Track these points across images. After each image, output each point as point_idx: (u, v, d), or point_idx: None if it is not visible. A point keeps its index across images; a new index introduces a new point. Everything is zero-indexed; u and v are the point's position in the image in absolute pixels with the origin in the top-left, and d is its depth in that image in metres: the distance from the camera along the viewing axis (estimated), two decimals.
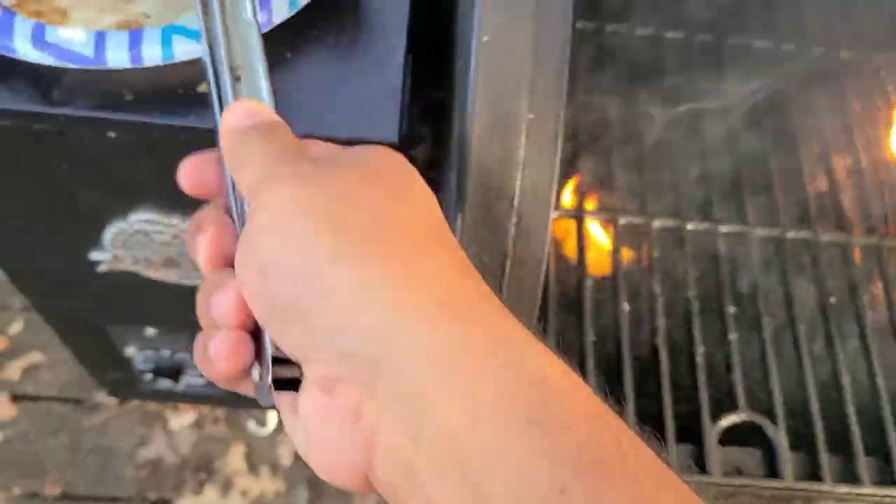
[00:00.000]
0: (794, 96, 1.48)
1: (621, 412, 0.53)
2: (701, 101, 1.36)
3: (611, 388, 1.29)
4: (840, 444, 1.21)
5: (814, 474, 1.18)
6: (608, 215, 1.36)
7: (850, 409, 1.23)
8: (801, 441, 1.22)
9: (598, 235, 1.38)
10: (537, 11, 0.80)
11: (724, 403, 1.23)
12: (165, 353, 1.81)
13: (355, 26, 1.04)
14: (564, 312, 1.31)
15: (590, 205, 1.39)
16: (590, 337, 1.24)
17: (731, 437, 1.24)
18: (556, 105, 0.82)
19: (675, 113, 1.37)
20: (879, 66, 1.54)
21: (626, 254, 1.47)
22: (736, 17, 1.51)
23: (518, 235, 0.85)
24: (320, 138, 0.70)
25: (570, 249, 1.38)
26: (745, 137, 1.43)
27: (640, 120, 1.43)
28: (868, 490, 1.16)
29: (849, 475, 1.18)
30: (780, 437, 1.20)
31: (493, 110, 0.81)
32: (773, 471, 1.18)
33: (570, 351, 1.27)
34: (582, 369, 1.22)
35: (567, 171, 1.39)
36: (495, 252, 0.84)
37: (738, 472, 1.19)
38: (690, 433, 1.21)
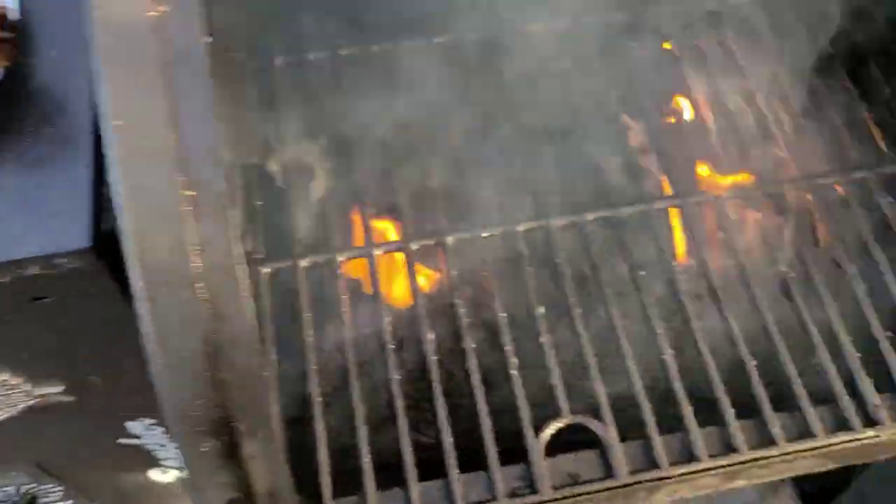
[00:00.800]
0: None
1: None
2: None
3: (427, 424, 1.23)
4: (673, 423, 1.17)
5: (652, 462, 1.13)
6: (400, 244, 1.29)
7: (678, 386, 1.19)
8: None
9: (394, 267, 1.31)
10: (167, 84, 0.73)
11: (549, 412, 1.18)
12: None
13: (34, 134, 0.95)
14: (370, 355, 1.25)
15: (387, 235, 1.33)
16: (394, 375, 1.17)
17: (570, 441, 1.19)
18: (215, 173, 0.74)
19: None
20: None
21: (430, 277, 1.41)
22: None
23: (216, 319, 0.77)
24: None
25: (369, 287, 1.31)
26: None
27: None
28: (704, 465, 1.13)
29: (686, 453, 1.14)
30: (609, 433, 1.15)
31: (143, 197, 0.73)
32: (611, 469, 1.13)
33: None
34: (391, 410, 1.15)
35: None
36: (194, 350, 0.76)
37: (574, 480, 1.13)
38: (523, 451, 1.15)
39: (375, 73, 1.47)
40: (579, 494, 1.11)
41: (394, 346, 1.21)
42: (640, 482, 1.11)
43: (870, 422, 1.16)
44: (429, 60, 1.46)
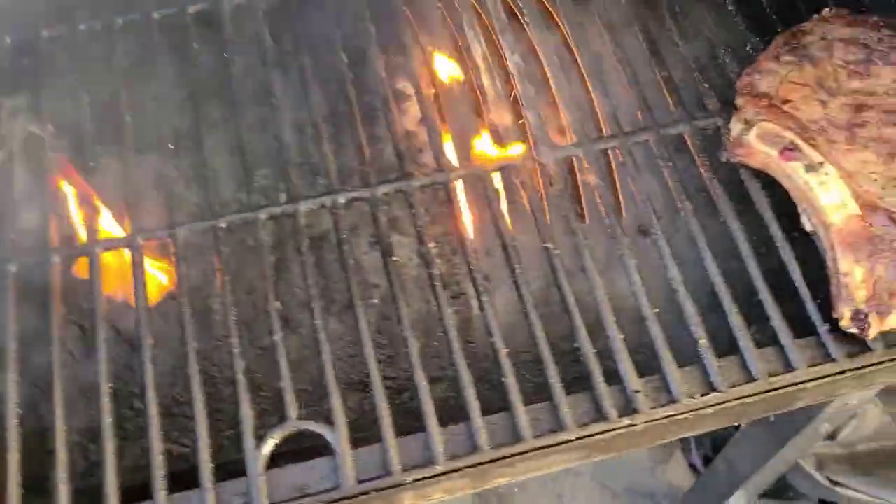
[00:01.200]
0: None
1: None
2: None
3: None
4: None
5: (385, 468, 1.03)
6: (127, 240, 1.16)
7: (423, 383, 1.08)
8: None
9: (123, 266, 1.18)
10: None
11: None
12: None
13: None
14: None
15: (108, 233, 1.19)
16: (105, 386, 1.04)
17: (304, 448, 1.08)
18: None
19: None
20: None
21: (169, 273, 1.28)
22: None
23: None
24: None
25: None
26: None
27: None
28: (443, 468, 1.02)
29: (426, 457, 1.04)
30: (339, 439, 1.03)
31: None
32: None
33: None
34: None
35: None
36: None
37: (301, 492, 1.02)
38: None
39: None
40: None
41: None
42: (367, 492, 1.01)
43: (628, 410, 1.06)
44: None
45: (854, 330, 1.09)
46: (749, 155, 1.20)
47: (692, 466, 2.44)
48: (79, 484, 1.04)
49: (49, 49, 1.32)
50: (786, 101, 1.20)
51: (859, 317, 1.07)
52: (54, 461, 1.02)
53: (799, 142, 1.15)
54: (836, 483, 2.13)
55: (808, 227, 1.16)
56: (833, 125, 1.17)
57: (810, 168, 1.14)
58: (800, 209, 1.17)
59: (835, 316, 1.10)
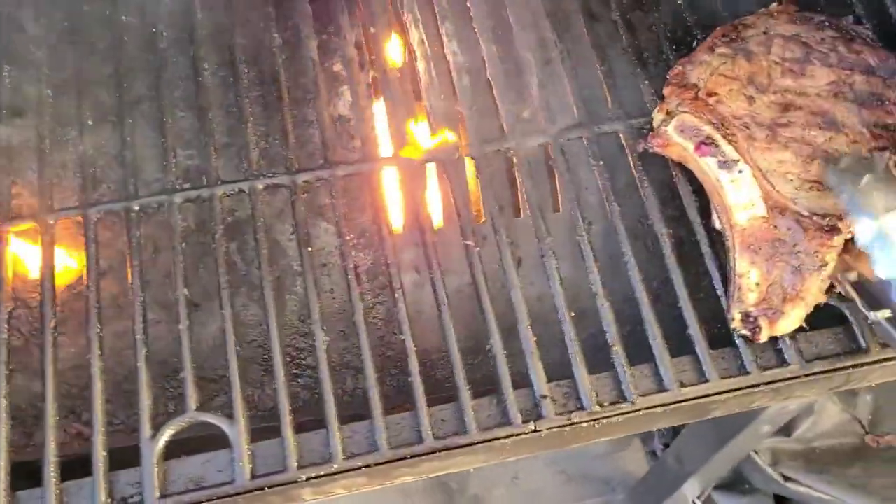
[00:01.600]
0: None
1: None
2: None
3: None
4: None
5: (282, 464, 1.01)
6: (34, 217, 1.13)
7: (327, 383, 1.06)
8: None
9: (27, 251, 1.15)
10: None
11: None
12: None
13: None
14: None
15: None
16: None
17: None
18: None
19: None
20: None
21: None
22: None
23: None
24: None
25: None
26: None
27: None
28: (339, 467, 1.01)
29: (324, 454, 1.02)
30: (237, 433, 1.02)
31: None
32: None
33: None
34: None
35: None
36: None
37: (196, 485, 1.01)
38: None
39: None
40: (199, 502, 0.99)
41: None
42: (261, 488, 0.99)
43: (533, 415, 1.05)
44: None
45: (746, 333, 1.07)
46: (666, 146, 1.17)
47: (653, 454, 2.45)
48: None
49: None
50: (712, 94, 1.17)
51: (749, 319, 1.06)
52: None
53: (717, 137, 1.13)
54: (788, 479, 2.13)
55: (717, 225, 1.14)
56: (756, 122, 1.15)
57: (724, 164, 1.11)
58: (712, 207, 1.14)
59: (728, 318, 1.08)
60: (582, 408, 1.05)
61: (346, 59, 1.29)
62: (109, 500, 0.98)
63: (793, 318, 1.06)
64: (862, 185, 0.94)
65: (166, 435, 1.01)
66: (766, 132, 1.14)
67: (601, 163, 1.20)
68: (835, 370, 1.09)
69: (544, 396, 1.05)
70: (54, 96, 1.22)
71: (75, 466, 1.02)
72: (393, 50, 1.29)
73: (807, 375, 1.08)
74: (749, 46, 1.21)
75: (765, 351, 1.09)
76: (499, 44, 1.30)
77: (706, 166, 1.13)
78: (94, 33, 1.28)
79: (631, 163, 1.21)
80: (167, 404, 1.20)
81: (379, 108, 1.29)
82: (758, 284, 1.07)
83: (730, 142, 1.12)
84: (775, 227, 1.08)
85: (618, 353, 1.08)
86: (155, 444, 1.01)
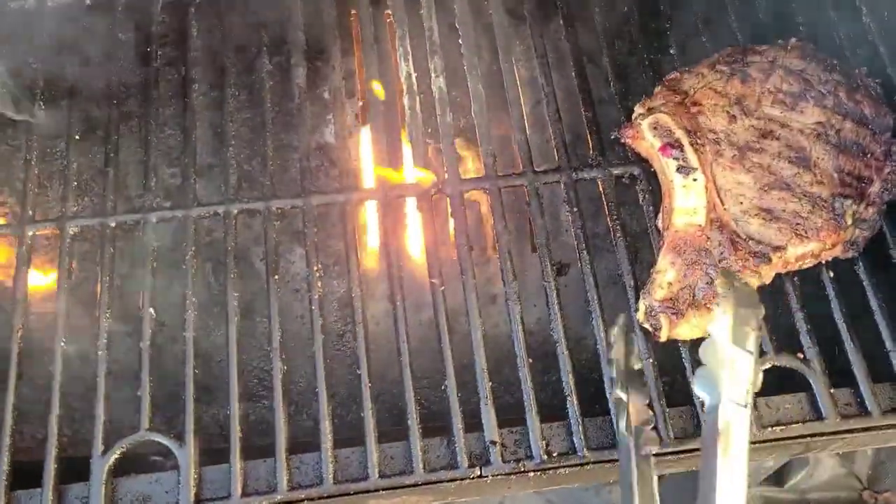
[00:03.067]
0: None
1: None
2: None
3: None
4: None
5: (226, 490, 1.02)
6: (12, 228, 1.16)
7: (279, 412, 1.07)
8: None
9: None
10: None
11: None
12: None
13: None
14: None
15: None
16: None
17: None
18: None
19: None
20: None
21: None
22: None
23: None
24: None
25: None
26: None
27: None
28: (282, 497, 1.02)
29: (270, 483, 1.03)
30: (186, 455, 1.03)
31: None
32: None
33: None
34: None
35: None
36: None
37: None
38: None
39: None
40: None
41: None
42: None
43: (481, 460, 1.05)
44: None
45: (647, 327, 1.10)
46: (636, 139, 1.21)
47: None
48: None
49: None
50: (696, 104, 1.20)
51: (652, 314, 1.09)
52: None
53: (685, 142, 1.15)
54: None
55: (659, 224, 1.17)
56: (729, 141, 1.17)
57: (682, 169, 1.14)
58: (662, 208, 1.17)
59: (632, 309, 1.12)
60: (531, 457, 1.05)
61: (334, 87, 1.30)
62: None
63: (693, 325, 1.08)
64: (738, 310, 0.96)
65: (117, 452, 1.03)
66: (734, 152, 1.16)
67: (576, 209, 1.20)
68: (793, 438, 1.08)
69: (494, 442, 1.05)
70: (46, 108, 1.25)
71: (35, 474, 1.05)
72: (380, 82, 1.30)
73: (763, 442, 1.07)
74: (749, 70, 1.23)
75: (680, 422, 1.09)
76: (486, 82, 1.30)
77: (666, 167, 1.16)
78: (91, 48, 1.31)
79: (607, 211, 1.21)
80: (131, 419, 1.22)
81: (362, 138, 1.30)
82: (670, 284, 1.09)
83: (696, 150, 1.15)
84: (708, 238, 1.10)
85: (572, 403, 1.08)
86: (105, 462, 1.02)
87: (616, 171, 1.24)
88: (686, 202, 1.12)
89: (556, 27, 1.36)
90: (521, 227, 1.33)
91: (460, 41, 1.34)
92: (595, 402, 1.10)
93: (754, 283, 1.08)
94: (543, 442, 1.05)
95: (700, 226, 1.10)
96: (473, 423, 1.08)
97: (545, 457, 1.05)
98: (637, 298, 1.13)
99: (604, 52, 1.34)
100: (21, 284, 1.12)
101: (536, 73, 1.33)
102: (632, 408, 1.00)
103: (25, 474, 1.04)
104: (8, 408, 1.05)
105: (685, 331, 1.08)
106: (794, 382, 1.12)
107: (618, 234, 1.19)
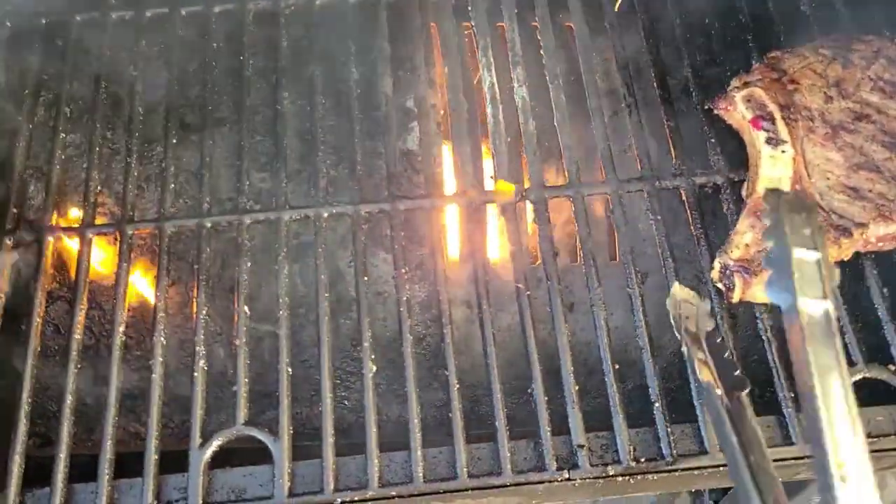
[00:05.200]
0: None
1: None
2: None
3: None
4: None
5: (320, 485, 1.05)
6: (113, 226, 1.20)
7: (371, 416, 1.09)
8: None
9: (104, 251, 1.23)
10: None
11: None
12: None
13: None
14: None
15: (100, 219, 1.23)
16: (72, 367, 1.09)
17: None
18: None
19: None
20: None
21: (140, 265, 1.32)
22: None
23: None
24: None
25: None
26: None
27: None
28: (372, 493, 1.04)
29: (362, 479, 1.05)
30: (280, 450, 1.06)
31: None
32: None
33: None
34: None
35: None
36: None
37: (237, 496, 1.05)
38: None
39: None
40: None
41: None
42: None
43: (568, 463, 1.06)
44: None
45: (720, 286, 1.12)
46: (728, 111, 1.23)
47: None
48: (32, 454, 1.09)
49: (79, 33, 1.38)
50: (793, 82, 1.23)
51: (726, 273, 1.10)
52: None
53: (777, 116, 1.18)
54: None
55: (744, 193, 1.19)
56: (823, 119, 1.19)
57: (771, 140, 1.16)
58: (748, 177, 1.19)
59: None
60: (618, 461, 1.06)
61: (419, 96, 1.33)
62: (155, 502, 1.03)
63: None
64: (792, 216, 0.95)
65: (214, 445, 1.06)
66: (827, 130, 1.19)
67: (659, 218, 1.21)
68: (884, 451, 1.07)
69: (581, 446, 1.06)
70: (144, 113, 1.30)
71: (130, 463, 1.08)
72: (464, 91, 1.33)
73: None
74: (851, 56, 1.26)
75: None
76: (568, 92, 1.32)
77: (755, 139, 1.18)
78: (186, 57, 1.36)
79: (690, 220, 1.22)
80: (220, 412, 1.26)
81: (445, 146, 1.33)
82: (747, 245, 1.11)
83: (787, 125, 1.17)
84: None
85: (659, 409, 1.08)
86: (203, 454, 1.06)
87: (699, 181, 1.25)
88: (772, 171, 1.15)
89: (636, 37, 1.38)
90: (600, 236, 1.34)
91: (541, 52, 1.36)
92: (678, 409, 1.11)
93: (834, 253, 1.09)
94: (631, 447, 1.06)
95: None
96: (558, 426, 1.09)
97: (632, 462, 1.05)
98: (720, 305, 1.14)
99: (684, 63, 1.35)
100: (122, 281, 1.17)
101: (617, 84, 1.35)
102: (710, 360, 1.01)
103: (118, 464, 1.08)
104: (111, 401, 1.09)
105: (758, 292, 1.09)
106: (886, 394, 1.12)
107: (701, 243, 1.19)
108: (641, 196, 1.24)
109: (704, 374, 1.01)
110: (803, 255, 0.85)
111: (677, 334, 1.08)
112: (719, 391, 0.97)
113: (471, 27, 1.40)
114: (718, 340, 1.07)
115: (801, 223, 0.87)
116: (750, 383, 0.99)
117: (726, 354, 1.03)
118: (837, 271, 0.94)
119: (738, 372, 1.00)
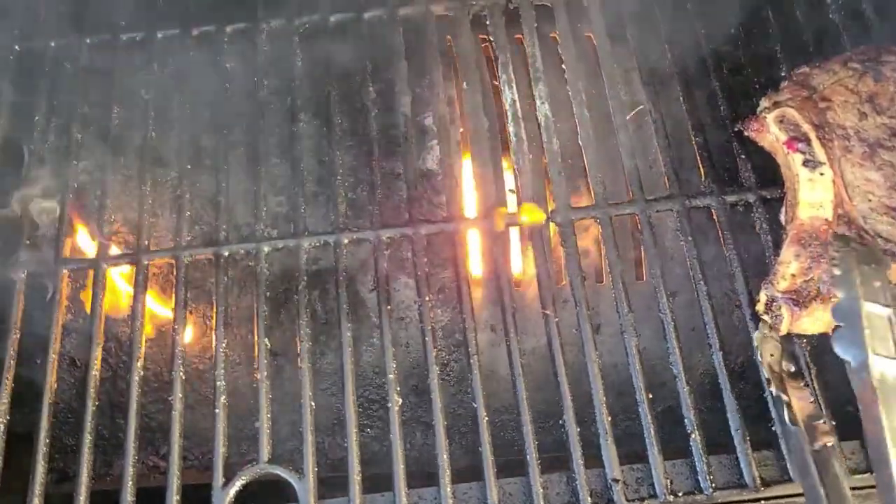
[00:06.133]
0: None
1: None
2: None
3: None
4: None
5: None
6: (131, 257, 1.17)
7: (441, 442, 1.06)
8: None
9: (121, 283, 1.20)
10: None
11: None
12: None
13: None
14: None
15: (116, 249, 1.20)
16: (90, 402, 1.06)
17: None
18: None
19: None
20: None
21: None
22: None
23: None
24: None
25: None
26: None
27: None
28: None
29: None
30: (306, 489, 1.02)
31: None
32: None
33: None
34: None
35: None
36: None
37: None
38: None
39: None
40: None
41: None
42: None
43: (603, 498, 1.02)
44: None
45: (767, 319, 1.07)
46: (760, 133, 1.19)
47: None
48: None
49: (90, 57, 1.35)
50: (825, 100, 1.18)
51: (773, 305, 1.06)
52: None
53: (812, 136, 1.14)
54: None
55: (782, 219, 1.15)
56: (859, 137, 1.15)
57: (808, 163, 1.12)
58: (785, 201, 1.15)
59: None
60: (654, 496, 1.02)
61: (438, 114, 1.29)
62: None
63: (816, 318, 1.05)
64: (863, 268, 0.91)
65: (237, 485, 1.03)
66: (864, 149, 1.14)
67: (690, 238, 1.17)
68: None
69: (616, 480, 1.03)
70: (157, 138, 1.27)
71: (151, 497, 1.05)
72: (485, 109, 1.29)
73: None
74: (883, 69, 1.21)
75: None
76: (591, 108, 1.29)
77: (791, 161, 1.14)
78: (200, 79, 1.32)
79: (721, 239, 1.18)
80: (241, 444, 1.23)
81: (466, 165, 1.29)
82: (793, 275, 1.07)
83: (823, 145, 1.13)
84: (835, 232, 1.08)
85: (696, 441, 1.04)
86: (226, 494, 1.03)
87: (730, 199, 1.21)
88: (812, 196, 1.10)
89: (659, 49, 1.34)
90: (627, 255, 1.31)
91: (563, 66, 1.32)
92: (715, 437, 1.07)
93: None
94: (667, 480, 1.03)
95: (827, 220, 1.08)
96: (589, 456, 1.06)
97: (670, 496, 1.02)
98: (756, 327, 1.10)
99: (711, 75, 1.31)
100: (139, 314, 1.14)
101: (642, 98, 1.31)
102: (795, 404, 0.97)
103: (139, 500, 1.06)
104: (130, 435, 1.06)
105: (807, 324, 1.05)
106: None
107: (733, 263, 1.16)
108: (670, 215, 1.21)
109: (790, 412, 0.98)
110: (874, 310, 0.81)
111: (763, 372, 1.05)
112: (804, 436, 0.94)
113: (489, 41, 1.36)
114: (803, 384, 1.03)
115: (871, 275, 0.83)
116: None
117: (811, 398, 1.00)
118: None
119: (823, 420, 0.97)
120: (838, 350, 0.87)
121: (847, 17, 1.36)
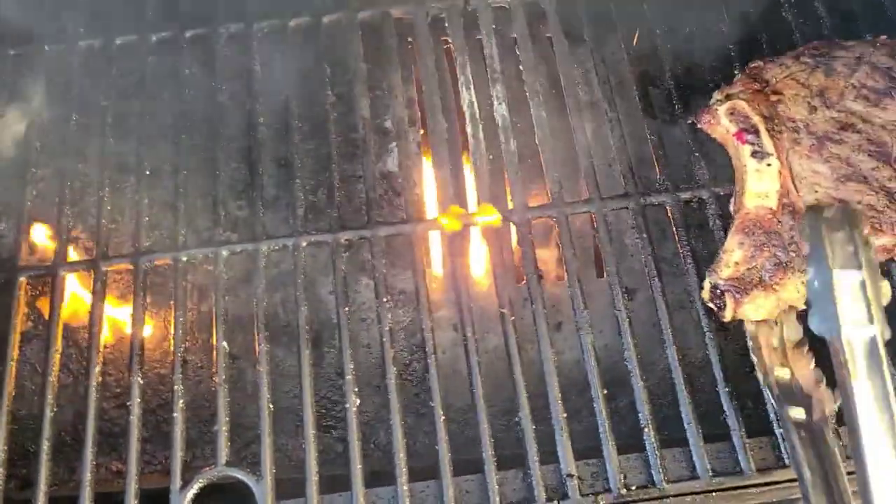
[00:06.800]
0: None
1: None
2: None
3: None
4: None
5: None
6: (89, 263, 1.18)
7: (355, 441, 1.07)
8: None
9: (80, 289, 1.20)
10: None
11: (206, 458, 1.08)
12: None
13: None
14: None
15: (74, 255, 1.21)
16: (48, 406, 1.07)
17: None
18: None
19: None
20: None
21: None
22: None
23: None
24: None
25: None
26: None
27: None
28: None
29: None
30: (263, 491, 1.03)
31: None
32: None
33: None
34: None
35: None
36: None
37: None
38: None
39: None
40: None
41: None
42: None
43: (558, 493, 1.03)
44: None
45: (711, 305, 1.10)
46: (712, 125, 1.21)
47: None
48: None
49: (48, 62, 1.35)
50: (776, 93, 1.21)
51: (716, 292, 1.08)
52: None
53: (761, 128, 1.16)
54: None
55: (731, 209, 1.17)
56: (808, 130, 1.17)
57: (756, 154, 1.14)
58: (734, 192, 1.17)
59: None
60: (608, 490, 1.03)
61: (397, 117, 1.30)
62: None
63: (758, 305, 1.08)
64: (833, 236, 0.90)
65: (195, 488, 1.04)
66: (813, 141, 1.16)
67: (645, 235, 1.19)
68: None
69: (571, 475, 1.04)
70: (115, 144, 1.27)
71: (114, 501, 1.06)
72: (443, 110, 1.30)
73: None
74: (834, 64, 1.23)
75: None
76: (549, 108, 1.30)
77: (740, 152, 1.16)
78: (158, 85, 1.33)
79: (676, 236, 1.19)
80: (206, 448, 1.23)
81: (425, 167, 1.30)
82: (737, 263, 1.09)
83: (772, 137, 1.15)
84: (779, 222, 1.10)
85: (649, 435, 1.06)
86: (183, 497, 1.03)
87: (684, 196, 1.22)
88: (759, 186, 1.12)
89: (616, 49, 1.35)
90: (585, 253, 1.32)
91: (520, 67, 1.34)
92: (667, 431, 1.09)
93: None
94: (621, 475, 1.04)
95: (771, 209, 1.10)
96: (545, 452, 1.07)
97: (623, 490, 1.03)
98: (709, 322, 1.12)
99: (667, 74, 1.32)
100: (97, 321, 1.14)
101: (599, 98, 1.32)
102: (798, 373, 1.01)
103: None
104: (88, 442, 1.06)
105: (750, 310, 1.08)
106: None
107: (688, 260, 1.17)
108: (626, 214, 1.22)
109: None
110: (846, 278, 0.80)
111: (753, 358, 1.07)
112: (799, 412, 0.96)
113: (448, 42, 1.37)
114: (806, 350, 1.05)
115: (842, 240, 0.82)
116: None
117: (811, 364, 1.01)
118: (887, 287, 0.89)
119: (823, 384, 0.98)
120: (812, 327, 0.85)
121: (799, 14, 1.38)
